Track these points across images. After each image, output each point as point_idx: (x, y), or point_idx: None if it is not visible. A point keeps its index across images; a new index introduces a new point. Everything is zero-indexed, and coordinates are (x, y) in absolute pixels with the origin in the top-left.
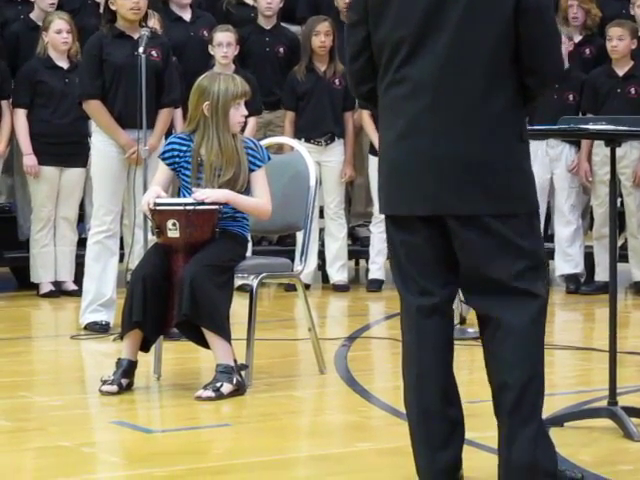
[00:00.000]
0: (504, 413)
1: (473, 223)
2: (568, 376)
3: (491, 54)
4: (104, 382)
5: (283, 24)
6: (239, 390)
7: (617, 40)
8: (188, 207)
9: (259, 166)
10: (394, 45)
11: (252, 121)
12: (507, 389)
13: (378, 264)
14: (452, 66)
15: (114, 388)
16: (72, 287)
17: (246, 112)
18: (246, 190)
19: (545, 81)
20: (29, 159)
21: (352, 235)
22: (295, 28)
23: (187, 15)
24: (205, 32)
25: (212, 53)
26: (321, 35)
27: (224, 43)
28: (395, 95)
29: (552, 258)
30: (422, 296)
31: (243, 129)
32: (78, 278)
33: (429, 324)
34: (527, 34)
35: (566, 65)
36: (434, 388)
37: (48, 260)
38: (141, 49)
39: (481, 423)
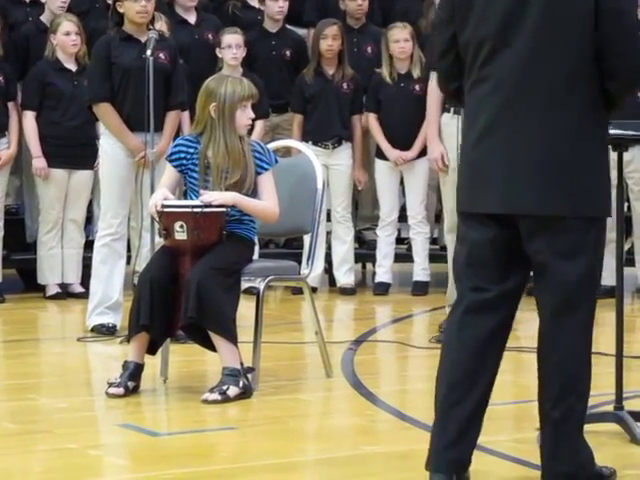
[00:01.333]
0: (548, 424)
1: (544, 224)
2: None
3: (570, 54)
4: (110, 385)
5: (290, 27)
6: (245, 393)
7: None
8: (195, 209)
9: (266, 169)
10: (477, 44)
11: (259, 124)
12: (551, 403)
13: (385, 267)
14: (531, 65)
15: (120, 391)
16: (79, 289)
17: (253, 115)
18: (253, 193)
19: (624, 85)
20: (39, 161)
21: (359, 238)
22: (302, 31)
23: (192, 18)
24: (210, 35)
25: (220, 56)
26: (329, 39)
27: (233, 45)
28: (478, 94)
29: None
30: (474, 292)
31: (250, 132)
32: (85, 280)
33: (473, 320)
34: (606, 36)
35: None
36: (463, 382)
37: (55, 262)
38: (149, 52)
39: (490, 427)
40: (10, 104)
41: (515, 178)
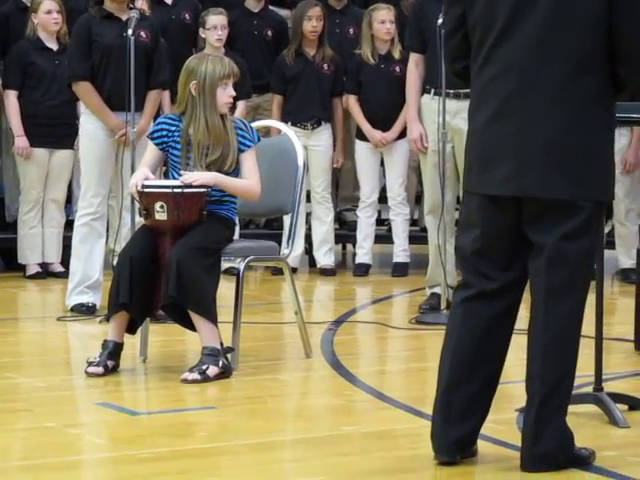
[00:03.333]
0: (534, 402)
1: (550, 207)
2: None
3: (582, 39)
4: (90, 364)
5: (272, 7)
6: (225, 373)
7: None
8: (176, 190)
9: (249, 146)
10: (486, 25)
11: (242, 104)
12: (539, 382)
13: (365, 248)
14: (541, 48)
15: (100, 370)
16: (59, 269)
17: (233, 93)
18: (235, 171)
19: (636, 70)
20: (21, 141)
21: (339, 219)
22: (284, 12)
23: None
24: (187, 15)
25: (203, 36)
26: (313, 20)
27: (219, 26)
28: (486, 76)
29: None
30: (480, 280)
31: (232, 112)
32: (65, 260)
33: (478, 307)
34: (620, 21)
35: None
36: (466, 365)
37: (35, 242)
38: (130, 30)
39: None
40: None
41: (524, 161)
